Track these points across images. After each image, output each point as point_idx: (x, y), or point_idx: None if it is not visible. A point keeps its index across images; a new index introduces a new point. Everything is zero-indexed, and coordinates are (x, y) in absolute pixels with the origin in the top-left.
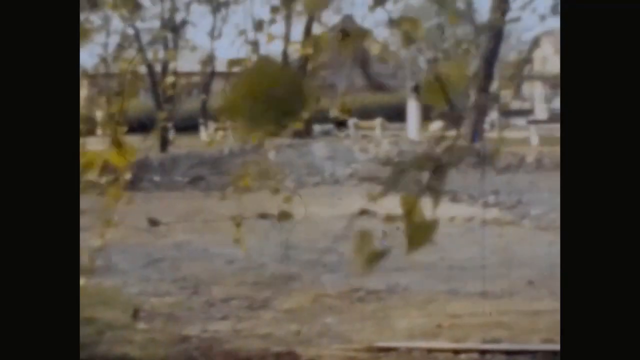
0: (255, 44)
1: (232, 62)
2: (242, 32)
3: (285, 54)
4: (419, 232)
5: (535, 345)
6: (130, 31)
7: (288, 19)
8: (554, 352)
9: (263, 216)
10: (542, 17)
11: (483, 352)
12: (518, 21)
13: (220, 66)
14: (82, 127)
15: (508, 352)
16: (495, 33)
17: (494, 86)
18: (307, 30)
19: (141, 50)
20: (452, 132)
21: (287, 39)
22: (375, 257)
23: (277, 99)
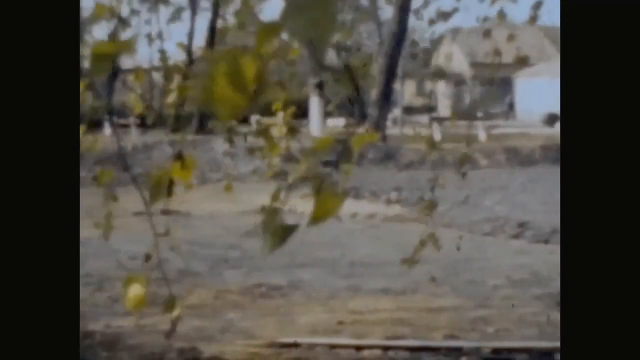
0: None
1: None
2: (149, 36)
3: (189, 52)
4: (326, 206)
5: (438, 341)
6: None
7: (193, 15)
8: (456, 349)
9: (166, 212)
10: (445, 15)
11: (386, 349)
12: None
13: (126, 63)
14: None
15: (411, 349)
16: (399, 30)
17: (398, 83)
18: (212, 27)
19: None
20: (354, 129)
21: (191, 35)
22: (284, 233)
23: (247, 84)
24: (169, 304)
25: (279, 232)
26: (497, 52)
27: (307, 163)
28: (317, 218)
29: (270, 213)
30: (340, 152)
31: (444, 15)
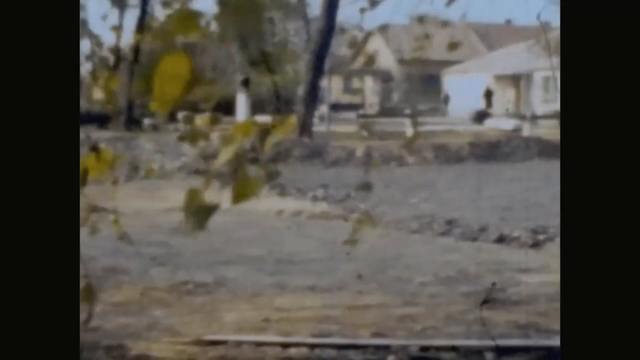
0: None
1: None
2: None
3: (118, 47)
4: (245, 187)
5: (365, 339)
6: None
7: (122, 10)
8: (384, 347)
9: (93, 209)
10: (374, 3)
11: (313, 346)
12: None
13: None
14: None
15: (338, 347)
16: (327, 27)
17: (324, 80)
18: (141, 21)
19: None
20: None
21: (120, 28)
22: (205, 213)
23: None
24: (86, 292)
25: (200, 212)
26: (427, 36)
27: (229, 147)
28: (237, 198)
29: (192, 195)
30: (259, 136)
31: (373, 3)
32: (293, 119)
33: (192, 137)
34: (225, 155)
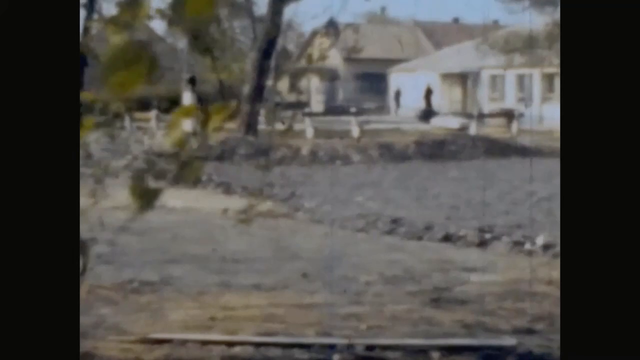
0: None
1: None
2: None
3: None
4: (189, 168)
5: (311, 338)
6: None
7: None
8: (329, 345)
9: None
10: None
11: (258, 345)
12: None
13: None
14: None
15: (283, 345)
16: (272, 26)
17: (271, 78)
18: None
19: None
20: (227, 124)
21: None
22: (151, 195)
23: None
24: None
25: (146, 194)
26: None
27: (174, 131)
28: (180, 179)
29: (137, 178)
30: (201, 121)
31: None
32: (233, 104)
33: (107, 124)
34: (170, 140)
